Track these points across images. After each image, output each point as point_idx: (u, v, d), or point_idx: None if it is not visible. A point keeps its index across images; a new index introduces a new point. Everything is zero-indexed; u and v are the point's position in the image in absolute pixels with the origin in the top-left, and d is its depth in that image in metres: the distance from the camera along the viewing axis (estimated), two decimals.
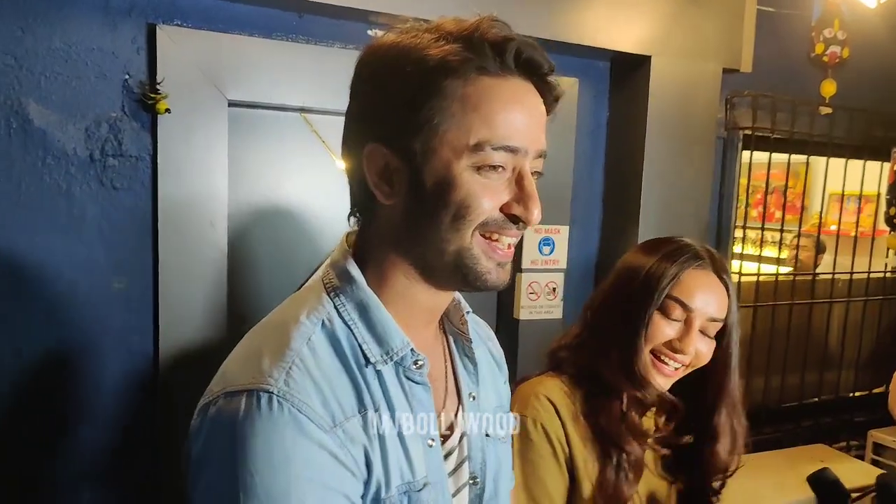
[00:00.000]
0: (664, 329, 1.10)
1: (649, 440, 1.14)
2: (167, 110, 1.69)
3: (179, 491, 0.74)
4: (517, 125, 0.71)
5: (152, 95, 1.68)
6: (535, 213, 0.73)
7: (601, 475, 1.10)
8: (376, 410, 0.73)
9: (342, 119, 1.83)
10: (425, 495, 0.75)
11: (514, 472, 1.06)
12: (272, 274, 1.98)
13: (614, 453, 1.10)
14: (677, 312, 1.10)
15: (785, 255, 3.60)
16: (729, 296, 1.13)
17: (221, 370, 0.74)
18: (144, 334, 1.74)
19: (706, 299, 1.10)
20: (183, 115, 1.72)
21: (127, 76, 1.68)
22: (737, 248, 2.72)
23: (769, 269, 2.99)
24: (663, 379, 1.13)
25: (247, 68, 1.80)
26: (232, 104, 1.80)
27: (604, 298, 1.21)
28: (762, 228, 2.92)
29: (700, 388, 1.16)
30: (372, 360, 0.74)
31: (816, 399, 2.93)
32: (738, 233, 2.71)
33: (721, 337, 1.13)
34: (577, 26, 2.05)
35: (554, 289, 2.26)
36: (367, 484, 0.72)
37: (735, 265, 2.74)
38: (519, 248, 2.19)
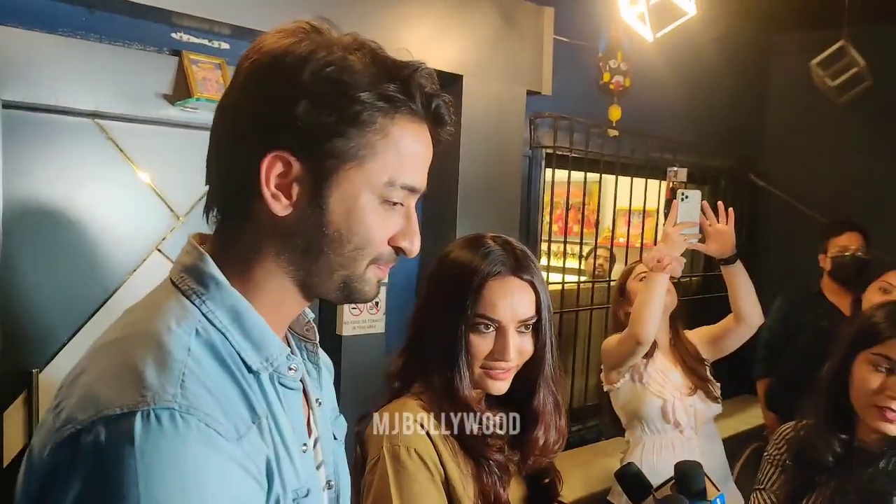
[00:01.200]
0: (480, 345, 1.12)
1: (500, 444, 1.14)
2: None
3: None
4: (420, 168, 0.76)
5: None
6: (417, 246, 0.78)
7: (479, 484, 1.10)
8: (266, 418, 0.70)
9: (144, 127, 1.69)
10: (310, 501, 0.74)
11: (385, 501, 1.04)
12: (58, 292, 1.75)
13: (483, 463, 1.10)
14: (489, 325, 1.12)
15: (585, 266, 3.93)
16: (535, 290, 1.14)
17: (81, 388, 0.63)
18: None
19: (511, 305, 1.11)
20: None
21: None
22: (542, 261, 2.92)
23: (572, 279, 3.24)
24: (500, 383, 1.13)
25: (25, 65, 1.59)
26: (7, 105, 1.59)
27: (421, 315, 1.21)
28: (564, 242, 3.17)
29: (518, 376, 1.17)
30: (254, 367, 0.71)
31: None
32: (543, 246, 2.91)
33: (537, 328, 1.15)
34: (395, 44, 2.06)
35: (377, 303, 2.25)
36: (268, 494, 0.69)
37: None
38: None
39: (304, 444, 0.77)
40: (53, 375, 1.74)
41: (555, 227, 3.87)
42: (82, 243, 1.79)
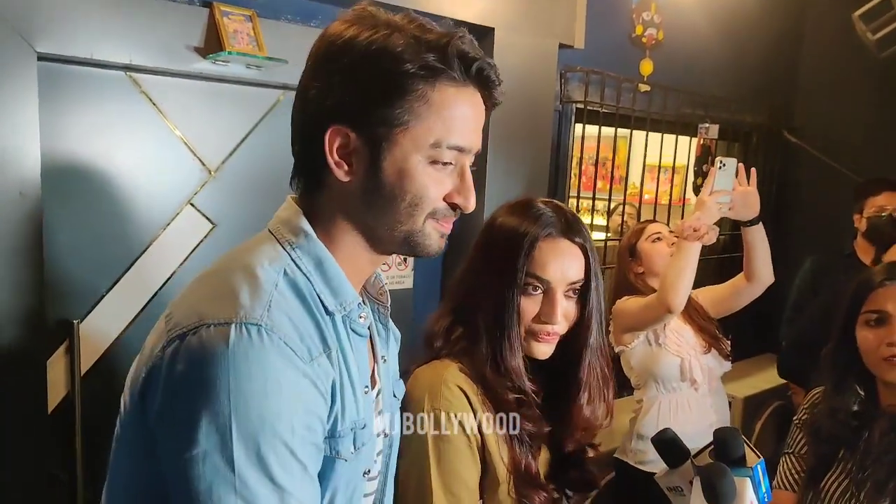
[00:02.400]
0: (528, 307, 1.12)
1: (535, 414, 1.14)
2: None
3: None
4: (468, 129, 0.82)
5: None
6: (472, 201, 0.85)
7: (511, 454, 1.11)
8: (336, 351, 0.80)
9: (175, 80, 1.69)
10: (365, 434, 0.84)
11: (422, 462, 1.06)
12: (97, 247, 1.78)
13: (516, 433, 1.11)
14: (538, 286, 1.12)
15: (609, 222, 3.91)
16: (585, 254, 1.13)
17: (185, 306, 0.77)
18: None
19: (561, 267, 1.11)
20: None
21: None
22: None
23: (599, 236, 3.22)
24: (544, 346, 1.14)
25: (59, 18, 1.59)
26: (42, 57, 1.59)
27: (467, 277, 1.20)
28: (593, 198, 3.13)
29: (565, 345, 1.16)
30: (330, 308, 0.81)
31: None
32: (571, 203, 2.88)
33: (584, 293, 1.14)
34: None
35: (405, 258, 2.26)
36: (329, 413, 0.79)
37: None
38: None
39: (367, 387, 0.87)
40: (93, 325, 1.78)
41: (582, 180, 3.84)
42: (118, 197, 1.81)
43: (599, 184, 3.74)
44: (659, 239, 2.21)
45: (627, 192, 3.25)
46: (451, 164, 0.82)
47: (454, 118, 0.80)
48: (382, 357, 0.97)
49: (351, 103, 0.79)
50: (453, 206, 0.84)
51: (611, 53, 2.79)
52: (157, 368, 0.74)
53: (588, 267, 1.14)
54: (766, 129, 3.60)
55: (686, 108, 3.11)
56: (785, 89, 3.69)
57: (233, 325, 0.71)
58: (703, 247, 1.96)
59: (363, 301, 0.91)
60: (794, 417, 1.50)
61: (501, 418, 1.11)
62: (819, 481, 1.36)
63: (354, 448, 0.83)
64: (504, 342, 1.11)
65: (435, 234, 0.84)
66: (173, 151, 1.88)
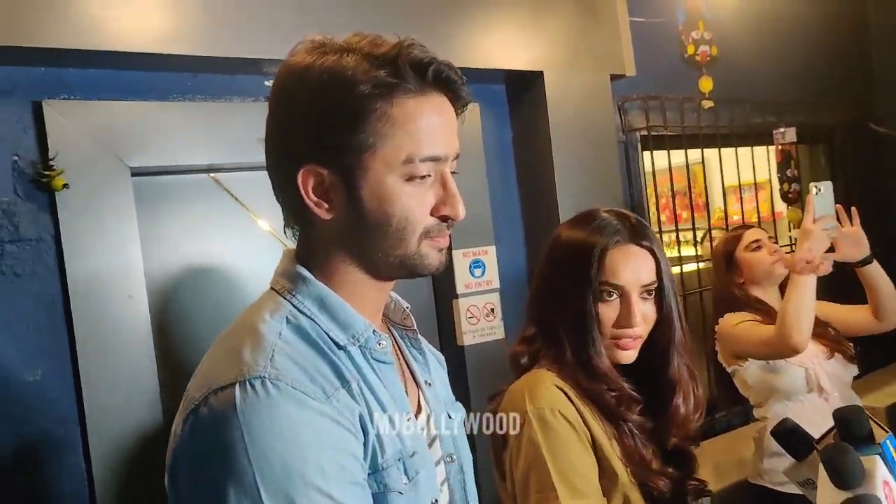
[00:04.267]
0: (606, 313, 1.13)
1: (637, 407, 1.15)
2: (65, 186, 1.61)
3: None
4: (438, 137, 0.79)
5: (46, 173, 1.60)
6: (460, 209, 0.81)
7: (622, 446, 1.11)
8: (357, 383, 0.77)
9: (253, 173, 1.81)
10: (417, 462, 0.80)
11: (539, 463, 1.05)
12: (201, 339, 1.89)
13: (623, 425, 1.12)
14: (613, 293, 1.13)
15: (701, 251, 3.77)
16: (655, 257, 1.15)
17: (199, 377, 0.76)
18: (70, 424, 1.62)
19: (633, 271, 1.13)
20: (83, 189, 1.64)
21: (16, 157, 1.60)
22: None
23: (689, 267, 3.10)
24: (628, 352, 1.15)
25: (146, 134, 1.75)
26: (135, 173, 1.75)
27: (542, 293, 1.22)
28: (676, 230, 3.05)
29: (650, 347, 1.17)
30: (341, 343, 0.79)
31: None
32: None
33: (659, 294, 1.15)
34: (471, 50, 2.13)
35: (492, 309, 2.26)
36: (364, 447, 0.75)
37: None
38: (451, 273, 2.20)
39: (408, 413, 0.84)
40: None
41: (662, 217, 3.75)
42: (214, 289, 1.93)
43: (683, 214, 3.64)
44: (759, 247, 2.11)
45: (714, 217, 3.15)
46: (429, 176, 0.79)
47: (420, 130, 0.77)
48: (426, 382, 0.95)
49: (314, 140, 0.77)
50: (443, 219, 0.81)
51: (667, 77, 2.78)
52: (179, 448, 0.73)
53: (658, 268, 1.15)
54: (850, 125, 3.43)
55: (756, 117, 3.03)
56: (861, 81, 3.53)
57: (237, 385, 0.70)
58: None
59: (387, 328, 0.91)
60: None
61: (606, 412, 1.11)
62: None
63: (408, 478, 0.79)
64: (590, 348, 1.11)
65: (433, 253, 0.82)
66: (261, 241, 1.99)
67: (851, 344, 2.09)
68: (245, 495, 0.66)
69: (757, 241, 2.11)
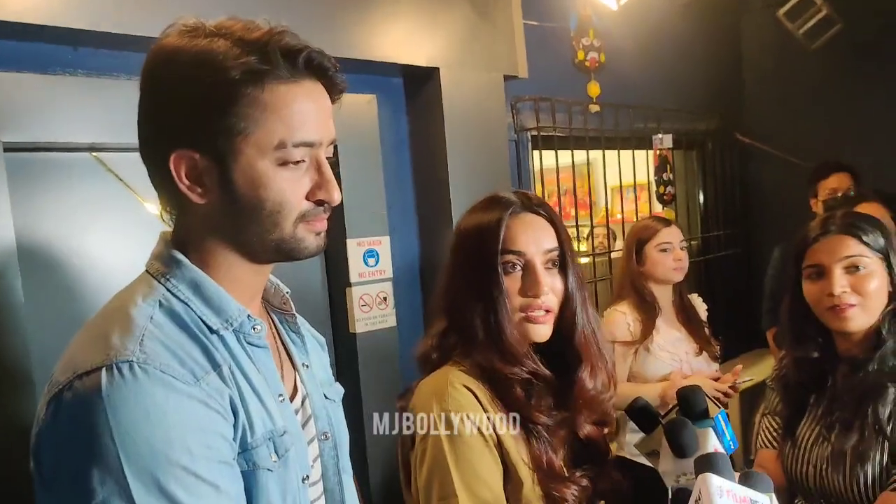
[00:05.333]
0: (512, 285, 1.11)
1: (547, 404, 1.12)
2: None
3: None
4: (311, 123, 0.80)
5: None
6: (335, 193, 0.83)
7: (531, 451, 1.08)
8: (228, 366, 0.79)
9: (137, 154, 1.76)
10: (287, 440, 0.83)
11: (443, 466, 1.03)
12: (78, 323, 1.81)
13: (532, 428, 1.09)
14: (516, 262, 1.11)
15: (584, 247, 3.99)
16: (554, 224, 1.14)
17: (64, 360, 0.75)
18: None
19: (534, 238, 1.11)
20: None
21: None
22: None
23: (583, 260, 3.27)
24: (541, 327, 1.12)
25: (21, 108, 1.66)
26: (8, 148, 1.65)
27: (450, 283, 1.19)
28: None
29: (559, 322, 1.14)
30: (214, 328, 0.80)
31: None
32: None
33: (563, 263, 1.14)
34: (370, 43, 2.15)
35: (385, 298, 2.31)
36: (234, 428, 0.77)
37: None
38: (345, 262, 2.23)
39: (281, 395, 0.86)
40: None
41: None
42: (95, 276, 1.86)
43: (571, 211, 3.84)
44: (666, 251, 2.23)
45: (597, 216, 3.33)
46: (303, 161, 0.80)
47: (293, 115, 0.78)
48: (303, 364, 0.96)
49: (185, 124, 0.78)
50: (319, 203, 0.82)
51: (558, 80, 2.92)
52: (42, 431, 0.73)
53: (559, 236, 1.14)
54: (719, 134, 3.74)
55: (639, 122, 3.23)
56: (732, 93, 3.84)
57: (103, 369, 0.70)
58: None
59: (266, 312, 0.93)
60: (767, 380, 1.55)
61: (514, 417, 1.08)
62: (794, 430, 1.41)
63: (277, 456, 0.81)
64: (501, 323, 1.09)
65: (310, 236, 0.83)
66: (146, 224, 1.94)
67: (718, 346, 2.31)
68: (109, 475, 0.67)
69: (668, 243, 2.23)
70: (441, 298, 1.19)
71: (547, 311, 1.12)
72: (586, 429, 1.15)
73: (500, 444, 1.07)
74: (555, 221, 1.15)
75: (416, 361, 1.21)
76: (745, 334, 3.47)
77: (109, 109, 1.78)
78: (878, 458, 1.26)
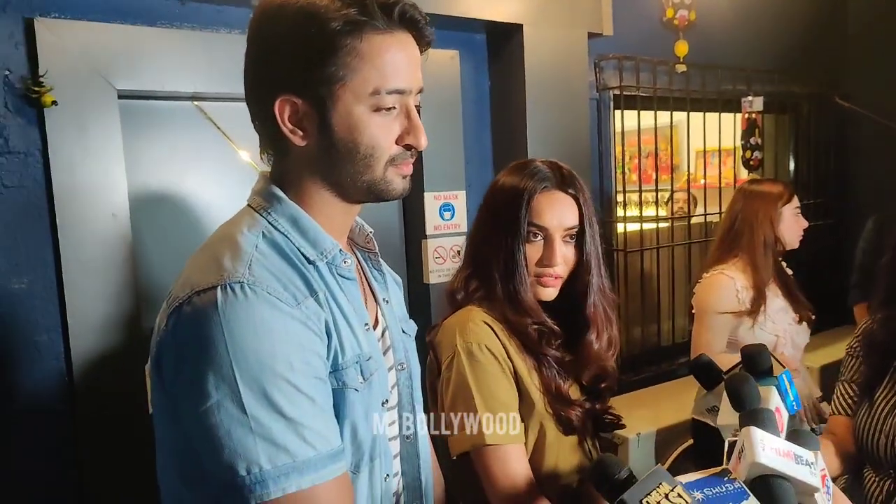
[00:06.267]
0: (531, 252, 1.25)
1: (556, 342, 1.27)
2: (54, 103, 1.66)
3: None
4: (403, 72, 0.86)
5: (36, 89, 1.65)
6: (423, 139, 0.90)
7: (542, 378, 1.23)
8: (323, 293, 0.87)
9: (235, 104, 1.88)
10: (372, 365, 0.91)
11: (465, 392, 1.17)
12: (179, 261, 1.97)
13: (542, 359, 1.24)
14: (538, 234, 1.25)
15: (664, 212, 3.90)
16: (579, 203, 1.26)
17: (182, 279, 0.84)
18: (52, 332, 1.71)
19: (557, 215, 1.24)
20: (71, 107, 1.70)
21: (7, 72, 1.64)
22: (619, 212, 2.94)
23: (652, 226, 3.23)
24: (549, 290, 1.26)
25: (133, 58, 1.80)
26: (122, 95, 1.80)
27: (478, 235, 1.33)
28: (640, 191, 3.17)
29: (570, 287, 1.29)
30: (311, 258, 0.88)
31: None
32: (620, 197, 2.93)
33: (581, 239, 1.27)
34: (454, 1, 2.18)
35: (458, 251, 2.37)
36: (328, 349, 0.85)
37: (620, 227, 2.95)
38: (421, 215, 2.31)
39: (367, 324, 0.93)
40: None
41: (632, 177, 3.86)
42: (194, 217, 2.01)
43: (651, 174, 3.77)
44: (798, 214, 2.21)
45: (680, 181, 3.26)
46: (394, 108, 0.86)
47: (386, 64, 0.84)
48: (384, 300, 1.04)
49: (289, 72, 0.84)
50: (407, 147, 0.89)
51: (644, 39, 2.86)
52: (163, 341, 0.81)
53: (581, 215, 1.27)
54: (817, 98, 3.56)
55: (727, 84, 3.13)
56: (831, 56, 3.64)
57: (218, 288, 0.78)
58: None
59: (351, 249, 1.00)
60: (847, 346, 1.53)
61: (528, 346, 1.24)
62: (873, 392, 1.39)
63: (363, 378, 0.89)
64: (517, 284, 1.23)
65: (397, 179, 0.90)
66: (239, 170, 2.07)
67: (813, 314, 2.23)
68: (223, 381, 0.76)
69: (799, 207, 2.21)
70: (470, 245, 1.35)
71: (556, 277, 1.26)
72: (588, 376, 1.30)
73: (515, 372, 1.21)
74: (580, 200, 1.27)
75: (444, 297, 1.35)
76: (831, 309, 3.36)
77: (211, 61, 1.90)
78: None
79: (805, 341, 2.23)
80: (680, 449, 2.20)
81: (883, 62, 3.49)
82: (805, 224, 2.23)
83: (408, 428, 1.04)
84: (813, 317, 2.23)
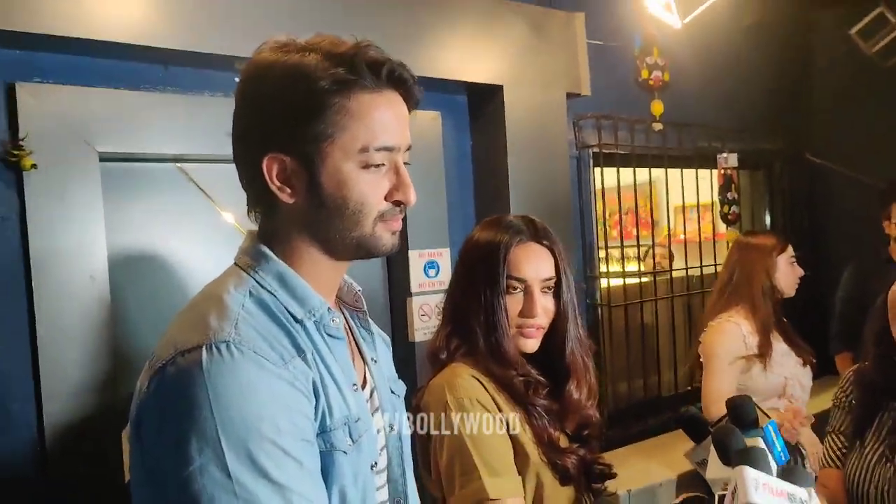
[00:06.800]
0: (512, 305, 1.27)
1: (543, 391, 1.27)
2: (33, 166, 1.66)
3: None
4: (391, 129, 0.88)
5: (15, 152, 1.64)
6: (412, 194, 0.90)
7: (533, 428, 1.23)
8: (311, 353, 0.86)
9: (219, 166, 1.89)
10: (360, 427, 0.89)
11: (462, 448, 1.16)
12: (160, 324, 1.93)
13: (531, 410, 1.24)
14: (517, 286, 1.27)
15: (644, 267, 3.94)
16: (554, 254, 1.29)
17: (165, 340, 0.83)
18: (25, 400, 1.66)
19: (535, 267, 1.27)
20: (51, 170, 1.69)
21: None
22: (602, 268, 2.96)
23: (634, 281, 3.24)
24: (531, 341, 1.28)
25: (115, 121, 1.81)
26: (104, 157, 1.80)
27: (457, 291, 1.35)
28: (621, 246, 3.21)
29: (550, 338, 1.30)
30: (298, 317, 0.87)
31: (689, 388, 3.20)
32: (602, 253, 2.96)
33: (558, 289, 1.30)
34: (436, 61, 2.24)
35: (442, 309, 2.36)
36: (315, 410, 0.84)
37: (603, 282, 2.98)
38: (406, 272, 2.30)
39: (355, 384, 0.92)
40: None
41: (613, 233, 3.90)
42: (176, 280, 1.98)
43: (631, 231, 3.82)
44: (793, 263, 2.29)
45: (660, 236, 3.30)
46: (383, 164, 0.87)
47: (375, 122, 0.85)
48: (372, 359, 1.03)
49: (278, 129, 0.85)
50: (396, 203, 0.89)
51: (621, 99, 2.94)
52: (145, 403, 0.79)
53: (557, 265, 1.30)
54: (787, 154, 3.66)
55: (702, 141, 3.21)
56: (800, 113, 3.76)
57: (204, 347, 0.77)
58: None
59: (339, 308, 0.99)
60: (833, 397, 1.53)
61: (516, 398, 1.24)
62: (864, 438, 1.39)
63: (352, 440, 0.87)
64: (500, 337, 1.25)
65: (386, 235, 0.90)
66: (223, 232, 2.06)
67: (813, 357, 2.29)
68: (207, 444, 0.73)
69: (794, 257, 2.30)
70: (449, 303, 1.36)
71: (538, 328, 1.28)
72: (572, 427, 1.31)
73: (507, 425, 1.22)
74: (555, 251, 1.30)
75: (426, 359, 1.36)
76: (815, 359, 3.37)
77: (194, 124, 1.92)
78: None
79: (810, 384, 2.29)
80: (677, 501, 2.17)
81: (848, 118, 3.62)
82: (800, 272, 2.31)
83: (398, 492, 1.01)
84: (814, 360, 2.30)
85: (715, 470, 0.99)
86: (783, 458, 1.01)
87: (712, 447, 0.98)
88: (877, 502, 1.34)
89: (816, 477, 1.49)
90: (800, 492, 0.83)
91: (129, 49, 1.76)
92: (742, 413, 1.04)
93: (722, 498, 0.86)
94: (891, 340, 1.36)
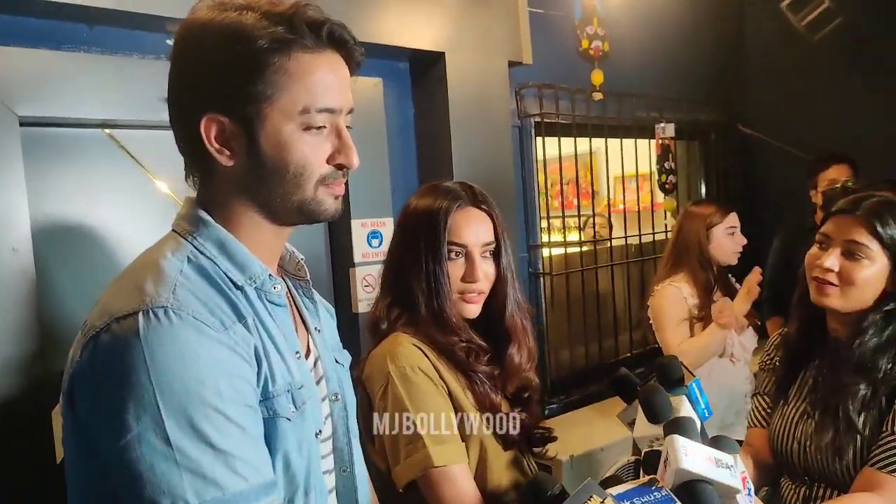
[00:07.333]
0: (454, 271, 1.27)
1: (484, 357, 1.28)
2: None
3: None
4: (333, 91, 0.85)
5: None
6: (354, 157, 0.88)
7: (475, 395, 1.24)
8: (252, 319, 0.84)
9: (151, 132, 1.81)
10: (304, 394, 0.88)
11: (403, 413, 1.16)
12: (89, 296, 1.86)
13: (473, 376, 1.25)
14: (458, 252, 1.27)
15: (585, 236, 4.02)
16: (493, 219, 1.30)
17: (98, 307, 0.80)
18: None
19: (475, 231, 1.27)
20: None
21: None
22: (544, 237, 3.00)
23: (575, 251, 3.30)
24: (472, 306, 1.28)
25: (37, 83, 1.71)
26: (24, 122, 1.70)
27: (396, 260, 1.33)
28: (563, 217, 3.26)
29: (490, 303, 1.31)
30: (239, 283, 0.85)
31: (629, 354, 3.30)
32: (543, 223, 2.99)
33: (497, 253, 1.31)
34: (378, 27, 2.20)
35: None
36: (258, 376, 0.82)
37: (545, 252, 3.02)
38: (349, 243, 2.28)
39: (298, 352, 0.90)
40: None
41: (554, 203, 3.95)
42: (106, 251, 1.91)
43: (572, 200, 3.88)
44: (732, 234, 2.40)
45: (600, 206, 3.36)
46: (324, 127, 0.85)
47: (316, 83, 0.83)
48: (316, 328, 1.01)
49: (216, 89, 0.82)
50: (339, 167, 0.87)
51: (562, 68, 2.95)
52: (78, 373, 0.76)
53: (496, 230, 1.31)
54: (722, 125, 3.76)
55: (641, 111, 3.27)
56: (734, 85, 3.86)
57: (140, 313, 0.74)
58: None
59: (282, 276, 0.97)
60: (759, 361, 1.60)
61: (458, 364, 1.24)
62: (787, 397, 1.45)
63: (295, 407, 0.85)
64: (442, 303, 1.24)
65: (329, 199, 0.88)
66: (156, 201, 1.99)
67: (758, 319, 2.44)
68: (145, 411, 0.71)
69: (734, 227, 2.43)
70: (388, 272, 1.35)
71: (479, 293, 1.29)
72: (511, 389, 1.32)
73: (449, 391, 1.22)
74: (493, 216, 1.31)
75: (367, 329, 1.34)
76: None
77: (122, 87, 1.83)
78: (854, 447, 1.30)
79: (754, 346, 2.42)
80: (616, 466, 2.24)
81: (779, 90, 3.74)
82: (742, 241, 2.43)
83: (343, 461, 1.01)
84: (759, 322, 2.45)
85: (642, 428, 1.02)
86: (706, 415, 1.05)
87: (638, 406, 1.01)
88: (799, 456, 1.40)
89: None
90: (726, 457, 0.88)
91: (50, 6, 1.66)
92: (668, 371, 1.08)
93: (649, 454, 0.89)
94: (809, 303, 1.41)
